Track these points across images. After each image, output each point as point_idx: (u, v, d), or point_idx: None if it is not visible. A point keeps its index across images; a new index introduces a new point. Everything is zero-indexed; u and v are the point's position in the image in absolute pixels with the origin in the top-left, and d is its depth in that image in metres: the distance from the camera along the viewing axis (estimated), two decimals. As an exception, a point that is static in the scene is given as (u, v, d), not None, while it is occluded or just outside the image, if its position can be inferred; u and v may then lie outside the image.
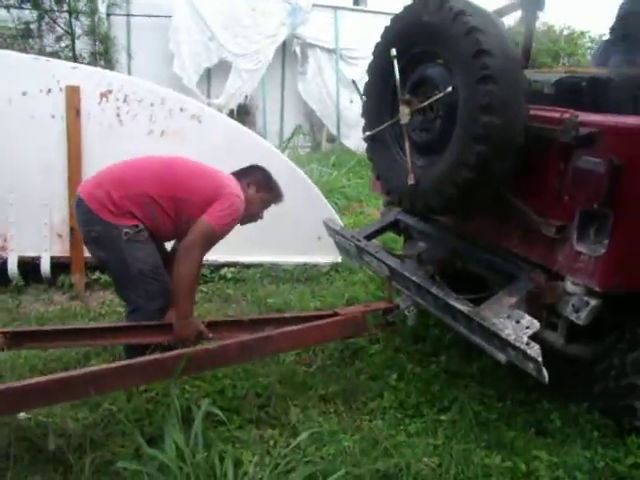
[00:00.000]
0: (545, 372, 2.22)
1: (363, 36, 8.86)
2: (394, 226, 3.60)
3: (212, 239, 2.81)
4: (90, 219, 2.79)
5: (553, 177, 2.44)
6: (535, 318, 2.47)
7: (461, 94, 2.40)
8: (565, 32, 14.42)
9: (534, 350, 2.21)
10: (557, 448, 2.61)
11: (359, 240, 3.39)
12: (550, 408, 2.85)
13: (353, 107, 10.29)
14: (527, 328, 2.33)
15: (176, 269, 2.75)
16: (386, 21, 2.85)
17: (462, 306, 2.53)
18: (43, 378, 2.24)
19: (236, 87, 9.93)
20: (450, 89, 2.42)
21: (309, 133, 11.03)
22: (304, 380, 3.07)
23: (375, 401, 2.93)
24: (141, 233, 2.78)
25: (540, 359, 2.18)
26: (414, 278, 2.84)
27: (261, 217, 3.17)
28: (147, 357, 2.33)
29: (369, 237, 3.51)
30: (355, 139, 10.52)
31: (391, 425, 2.75)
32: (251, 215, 3.07)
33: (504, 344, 2.35)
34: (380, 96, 2.93)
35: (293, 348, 2.97)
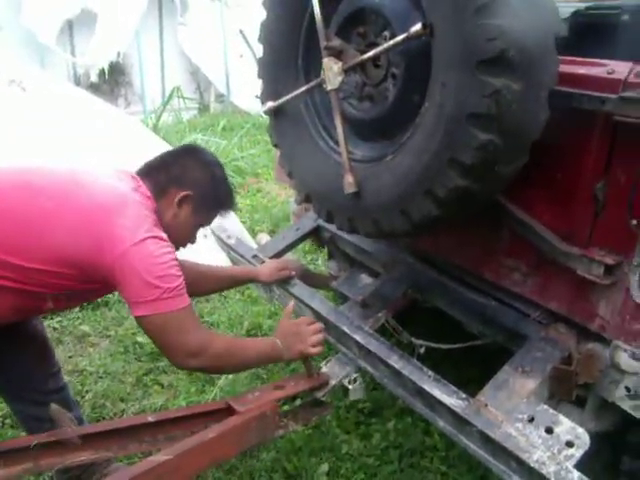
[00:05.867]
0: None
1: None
2: (314, 234, 2.50)
3: (178, 321, 1.53)
4: None
5: (595, 181, 1.43)
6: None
7: (439, 36, 1.33)
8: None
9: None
10: None
11: (263, 262, 2.27)
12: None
13: (243, 61, 8.99)
14: (569, 446, 1.34)
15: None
16: None
17: (450, 399, 1.51)
18: None
19: (105, 42, 8.34)
20: (418, 27, 1.34)
21: (195, 93, 9.58)
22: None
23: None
24: None
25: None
26: (359, 338, 1.78)
27: (192, 242, 1.86)
28: None
29: (279, 255, 2.41)
30: (248, 97, 9.29)
31: None
32: (178, 243, 1.78)
33: (531, 474, 1.35)
34: (288, 43, 1.81)
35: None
